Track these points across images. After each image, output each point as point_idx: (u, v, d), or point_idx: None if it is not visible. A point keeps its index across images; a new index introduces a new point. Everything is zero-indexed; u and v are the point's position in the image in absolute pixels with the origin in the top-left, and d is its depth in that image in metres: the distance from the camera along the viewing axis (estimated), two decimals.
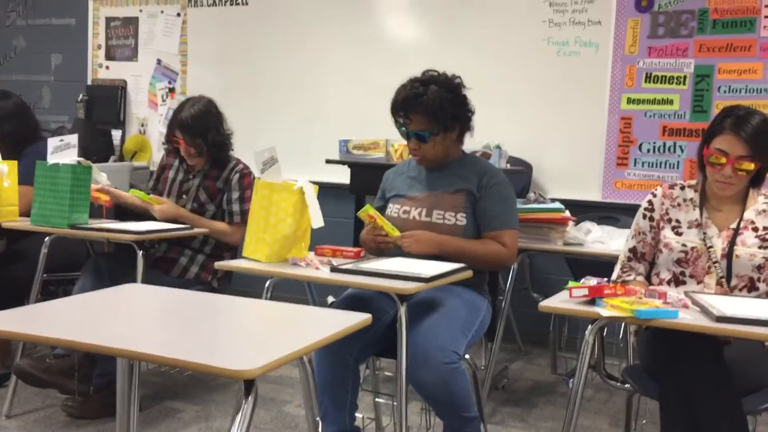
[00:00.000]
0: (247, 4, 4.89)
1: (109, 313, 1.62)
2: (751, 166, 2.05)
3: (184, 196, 3.08)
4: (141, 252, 2.68)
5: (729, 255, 2.09)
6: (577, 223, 3.10)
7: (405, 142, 3.25)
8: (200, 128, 3.00)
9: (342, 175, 3.77)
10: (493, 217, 2.41)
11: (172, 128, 3.05)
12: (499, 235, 2.40)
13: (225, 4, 4.95)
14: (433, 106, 2.38)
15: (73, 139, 2.83)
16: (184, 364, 1.24)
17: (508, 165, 3.67)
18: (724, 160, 2.06)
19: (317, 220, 2.26)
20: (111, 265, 2.91)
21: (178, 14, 5.11)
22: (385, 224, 2.36)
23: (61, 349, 2.77)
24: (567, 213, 3.03)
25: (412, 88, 2.42)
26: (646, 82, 3.93)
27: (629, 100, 3.96)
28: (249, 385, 1.26)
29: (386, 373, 3.23)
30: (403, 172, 2.61)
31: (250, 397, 1.26)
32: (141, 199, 2.97)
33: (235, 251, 3.18)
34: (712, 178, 2.11)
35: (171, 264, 3.00)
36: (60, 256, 3.09)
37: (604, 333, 2.39)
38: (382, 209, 2.57)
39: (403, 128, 2.47)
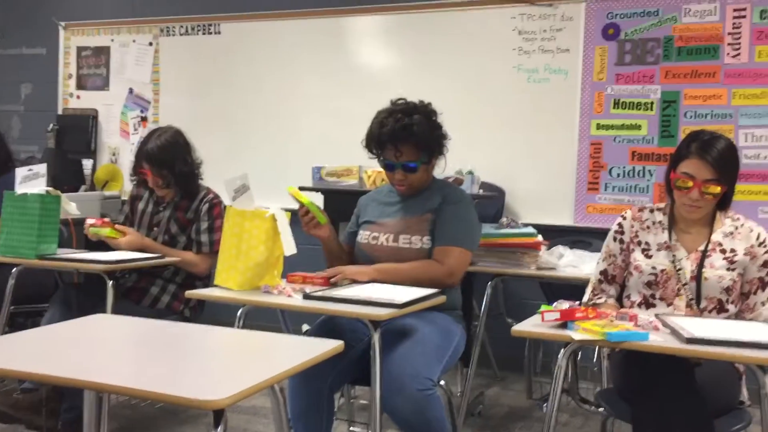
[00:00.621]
0: (219, 33, 4.90)
1: (76, 345, 1.59)
2: (717, 190, 2.09)
3: (155, 228, 3.04)
4: (111, 282, 2.64)
5: (698, 277, 2.11)
6: (549, 247, 3.13)
7: (377, 169, 3.29)
8: (166, 159, 2.97)
9: (316, 202, 3.75)
10: (441, 235, 2.41)
11: (138, 160, 3.02)
12: (442, 251, 2.38)
13: (198, 33, 4.96)
14: (424, 136, 2.40)
15: (42, 168, 2.80)
16: (152, 396, 1.22)
17: (481, 190, 3.70)
18: (691, 183, 2.09)
19: (289, 247, 2.25)
20: (80, 297, 2.86)
21: (150, 43, 5.10)
22: (312, 207, 2.36)
23: (29, 383, 2.71)
24: (539, 237, 3.05)
25: (397, 120, 2.40)
26: (614, 108, 4.00)
27: (599, 126, 4.03)
28: (218, 415, 1.24)
29: (361, 401, 3.21)
30: (376, 198, 2.62)
31: (219, 428, 1.24)
32: (106, 236, 2.91)
33: (208, 280, 3.15)
34: (680, 202, 2.14)
35: (142, 294, 2.96)
36: (28, 288, 3.04)
37: (578, 357, 2.41)
38: (354, 235, 2.57)
39: (386, 160, 2.46)
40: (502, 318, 3.72)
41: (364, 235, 2.51)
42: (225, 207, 3.00)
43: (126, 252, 2.91)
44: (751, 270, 2.14)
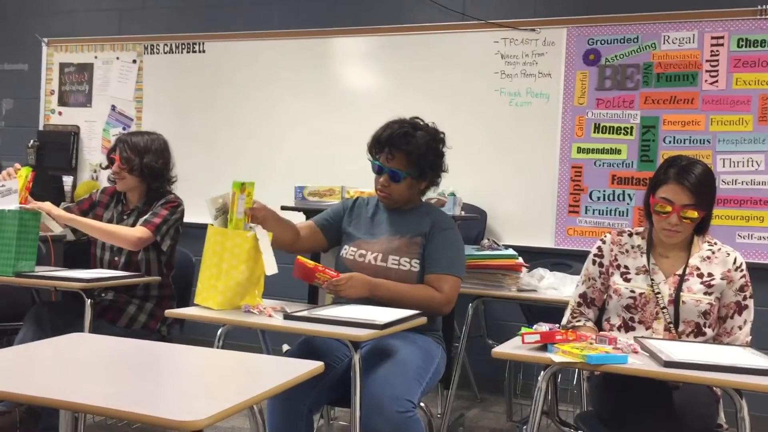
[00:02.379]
0: (204, 51, 4.91)
1: (52, 364, 1.57)
2: (695, 214, 2.11)
3: None
4: (90, 301, 2.62)
5: (676, 301, 2.13)
6: (530, 269, 3.14)
7: (360, 189, 3.30)
8: (139, 147, 2.99)
9: (298, 222, 3.75)
10: (435, 262, 2.42)
11: (114, 145, 3.04)
12: (437, 280, 2.40)
13: (182, 52, 4.97)
14: (419, 150, 2.41)
15: (14, 184, 2.77)
16: (128, 416, 1.20)
17: (463, 212, 3.71)
18: (669, 208, 2.12)
19: (271, 266, 2.24)
20: (53, 316, 2.81)
21: (134, 61, 5.10)
22: (234, 209, 2.28)
23: (3, 405, 2.66)
24: (520, 259, 3.06)
25: (401, 127, 2.45)
26: (595, 132, 4.04)
27: (579, 149, 4.07)
28: None
29: (340, 422, 3.18)
30: (362, 210, 2.61)
31: None
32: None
33: (182, 298, 3.12)
34: (659, 226, 2.17)
35: (118, 313, 2.92)
36: (4, 305, 3.00)
37: (558, 379, 2.41)
38: (327, 223, 2.56)
39: (378, 162, 2.47)
40: (482, 339, 3.72)
41: (349, 251, 2.50)
42: (182, 209, 3.00)
43: (103, 270, 2.88)
44: (728, 294, 2.16)
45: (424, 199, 2.68)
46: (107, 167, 3.09)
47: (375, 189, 2.55)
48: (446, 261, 2.42)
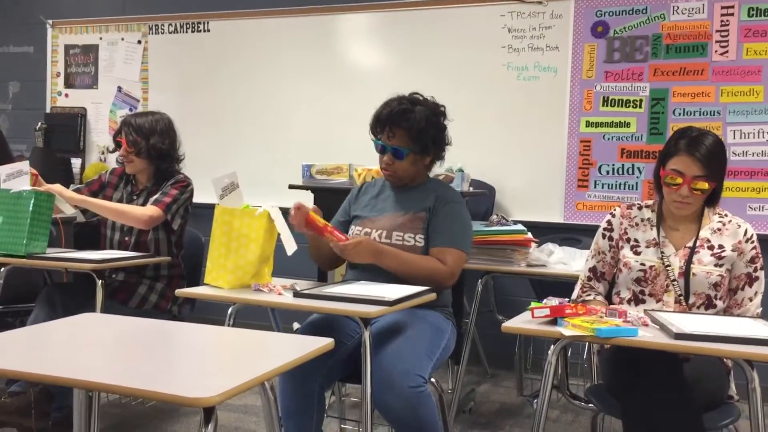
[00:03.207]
0: (209, 31, 4.89)
1: (65, 344, 1.58)
2: (706, 186, 2.10)
3: None
4: (101, 282, 2.63)
5: (686, 273, 2.12)
6: (539, 244, 3.14)
7: (367, 167, 3.29)
8: (143, 127, 2.99)
9: (305, 200, 3.74)
10: (439, 234, 2.41)
11: (120, 128, 3.04)
12: (441, 252, 2.39)
13: (186, 32, 4.95)
14: (418, 125, 2.40)
15: (25, 165, 2.78)
16: (141, 393, 1.21)
17: (471, 188, 3.70)
18: (680, 180, 2.10)
19: (290, 245, 2.24)
20: (64, 297, 2.83)
21: (139, 41, 5.08)
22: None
23: (17, 386, 2.69)
24: (529, 235, 3.06)
25: (400, 104, 2.44)
26: (603, 105, 4.01)
27: (588, 123, 4.04)
28: (208, 413, 1.23)
29: (352, 399, 3.21)
30: (368, 192, 2.61)
31: (210, 426, 1.24)
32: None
33: (192, 278, 3.13)
34: (669, 198, 2.15)
35: (129, 294, 2.94)
36: (17, 287, 3.02)
37: (568, 353, 2.41)
38: (342, 224, 2.56)
39: (380, 142, 2.47)
40: (492, 315, 3.73)
41: (355, 231, 2.50)
42: (191, 188, 3.01)
43: (114, 251, 2.90)
44: (739, 266, 2.15)
45: (432, 175, 2.67)
46: (114, 150, 3.10)
47: (380, 168, 2.54)
48: (450, 234, 2.41)
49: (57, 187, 2.83)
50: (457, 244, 2.41)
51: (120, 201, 3.06)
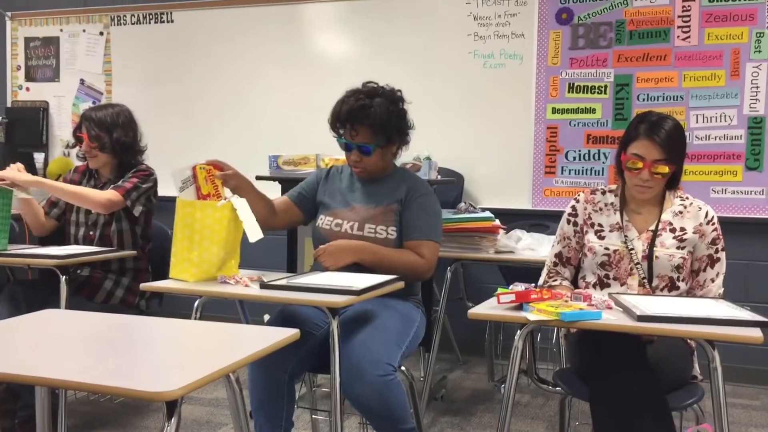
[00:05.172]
0: (172, 21, 4.82)
1: (27, 341, 1.55)
2: (666, 169, 2.13)
3: (92, 213, 2.97)
4: (65, 277, 2.59)
5: (649, 256, 2.15)
6: (507, 231, 3.16)
7: (335, 156, 3.27)
8: (105, 121, 2.95)
9: (273, 191, 3.73)
10: (414, 228, 2.42)
11: (80, 123, 2.99)
12: (418, 246, 2.40)
13: (150, 22, 4.87)
14: (380, 119, 2.38)
15: None
16: (103, 389, 1.20)
17: (439, 176, 3.71)
18: (640, 164, 2.13)
19: (254, 233, 2.21)
20: (28, 294, 2.79)
21: (101, 33, 5.00)
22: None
23: None
24: (497, 221, 3.08)
25: (357, 100, 2.40)
26: (569, 92, 4.04)
27: (554, 110, 4.07)
28: (171, 407, 1.22)
29: (323, 389, 3.21)
30: (336, 180, 2.59)
31: (173, 419, 1.23)
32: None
33: (160, 272, 3.10)
34: (631, 183, 2.18)
35: (95, 289, 2.90)
36: None
37: (537, 338, 2.44)
38: (302, 197, 2.55)
39: (344, 140, 2.45)
40: (462, 302, 3.75)
41: (326, 221, 2.49)
42: (154, 178, 2.98)
43: (77, 246, 2.85)
44: (700, 248, 2.19)
45: (399, 163, 2.67)
46: (75, 146, 3.05)
47: (348, 164, 2.53)
48: (425, 227, 2.42)
49: (8, 173, 2.77)
50: (431, 237, 2.43)
51: None
